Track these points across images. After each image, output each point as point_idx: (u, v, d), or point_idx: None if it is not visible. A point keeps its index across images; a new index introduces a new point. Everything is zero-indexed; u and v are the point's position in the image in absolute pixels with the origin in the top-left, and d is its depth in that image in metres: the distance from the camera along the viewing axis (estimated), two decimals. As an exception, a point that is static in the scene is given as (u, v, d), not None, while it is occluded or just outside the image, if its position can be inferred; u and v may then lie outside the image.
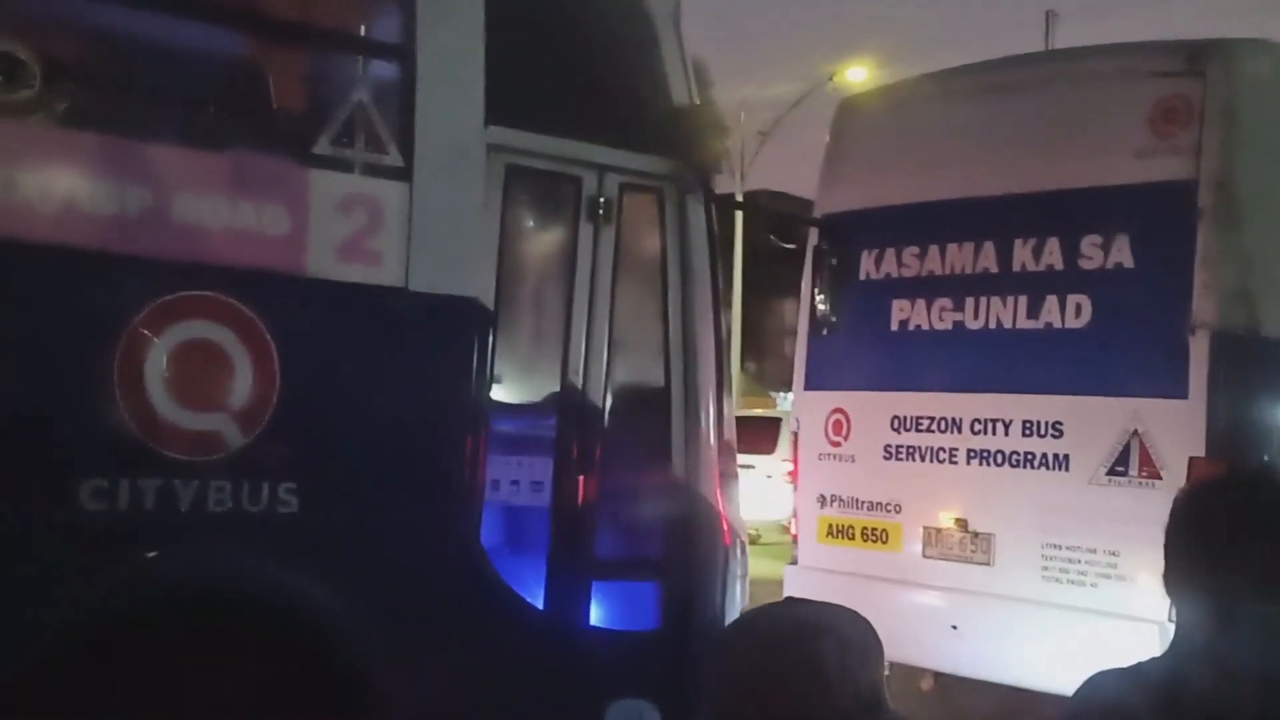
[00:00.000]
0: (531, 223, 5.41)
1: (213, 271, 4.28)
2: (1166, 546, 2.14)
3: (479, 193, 4.81)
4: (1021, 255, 6.86)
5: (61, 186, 4.10)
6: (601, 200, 5.11)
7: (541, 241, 5.45)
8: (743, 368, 29.82)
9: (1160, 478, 6.22)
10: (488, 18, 4.79)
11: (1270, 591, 2.01)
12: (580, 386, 5.10)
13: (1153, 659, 2.17)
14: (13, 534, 3.93)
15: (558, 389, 5.12)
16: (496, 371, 4.92)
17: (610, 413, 5.18)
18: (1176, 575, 2.12)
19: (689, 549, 5.26)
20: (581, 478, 5.09)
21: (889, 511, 7.28)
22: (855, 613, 2.06)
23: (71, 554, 4.03)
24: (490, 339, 4.84)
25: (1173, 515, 2.15)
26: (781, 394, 36.10)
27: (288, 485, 4.36)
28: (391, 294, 4.59)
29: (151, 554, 4.20)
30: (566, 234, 5.16)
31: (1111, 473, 6.41)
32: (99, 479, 4.06)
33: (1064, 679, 6.44)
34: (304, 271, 4.44)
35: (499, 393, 5.01)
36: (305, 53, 5.02)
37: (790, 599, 2.15)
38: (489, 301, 4.83)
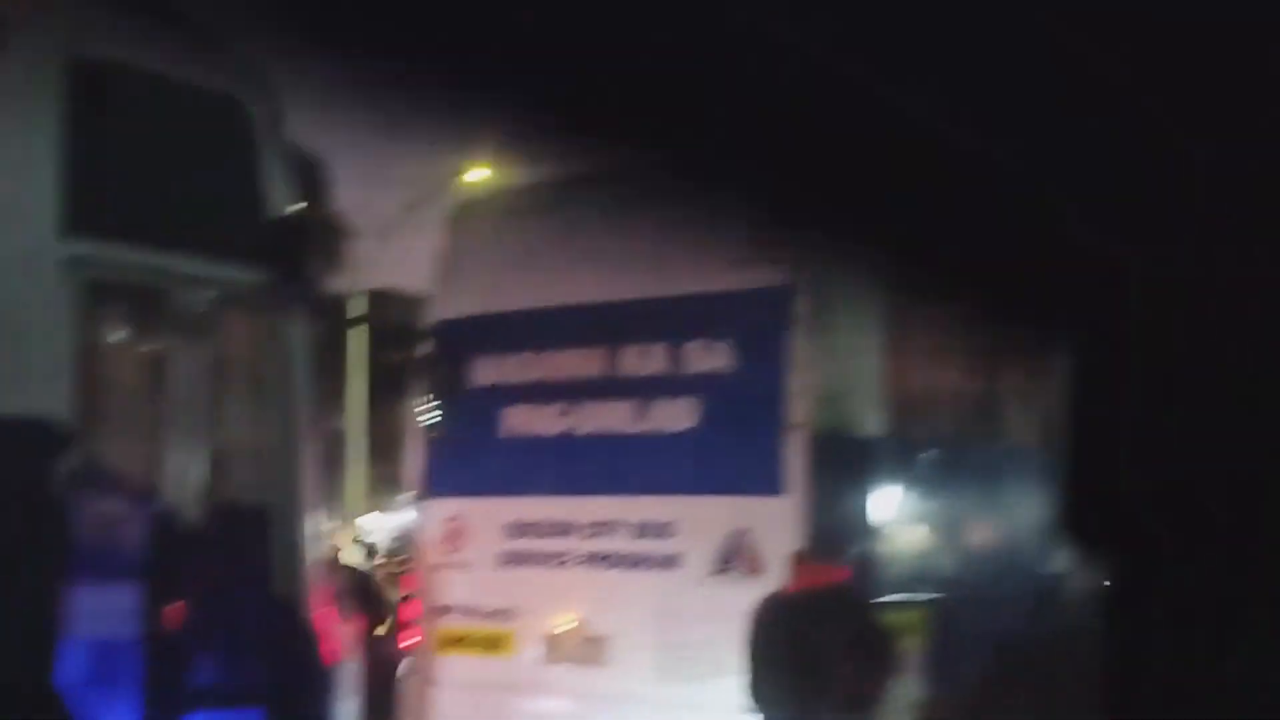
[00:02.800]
0: (117, 338, 5.09)
1: None
2: (752, 656, 2.16)
3: (56, 309, 4.50)
4: (630, 360, 7.02)
5: None
6: (192, 313, 4.89)
7: (129, 358, 5.15)
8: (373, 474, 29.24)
9: (764, 573, 6.42)
10: (64, 123, 4.52)
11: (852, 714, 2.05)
12: (174, 507, 4.83)
13: None
14: None
15: (150, 511, 4.84)
16: (80, 497, 4.59)
17: (206, 534, 4.91)
18: (761, 688, 2.14)
19: (293, 673, 5.05)
20: (175, 603, 4.80)
21: (507, 618, 7.23)
22: None
23: None
24: (68, 462, 4.51)
25: (758, 625, 2.18)
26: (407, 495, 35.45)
27: None
28: None
29: None
30: (156, 349, 4.93)
31: (721, 570, 6.57)
32: None
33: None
34: None
35: (85, 520, 4.66)
36: None
37: None
38: (70, 419, 4.50)
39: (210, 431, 4.95)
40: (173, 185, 4.88)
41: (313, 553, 5.15)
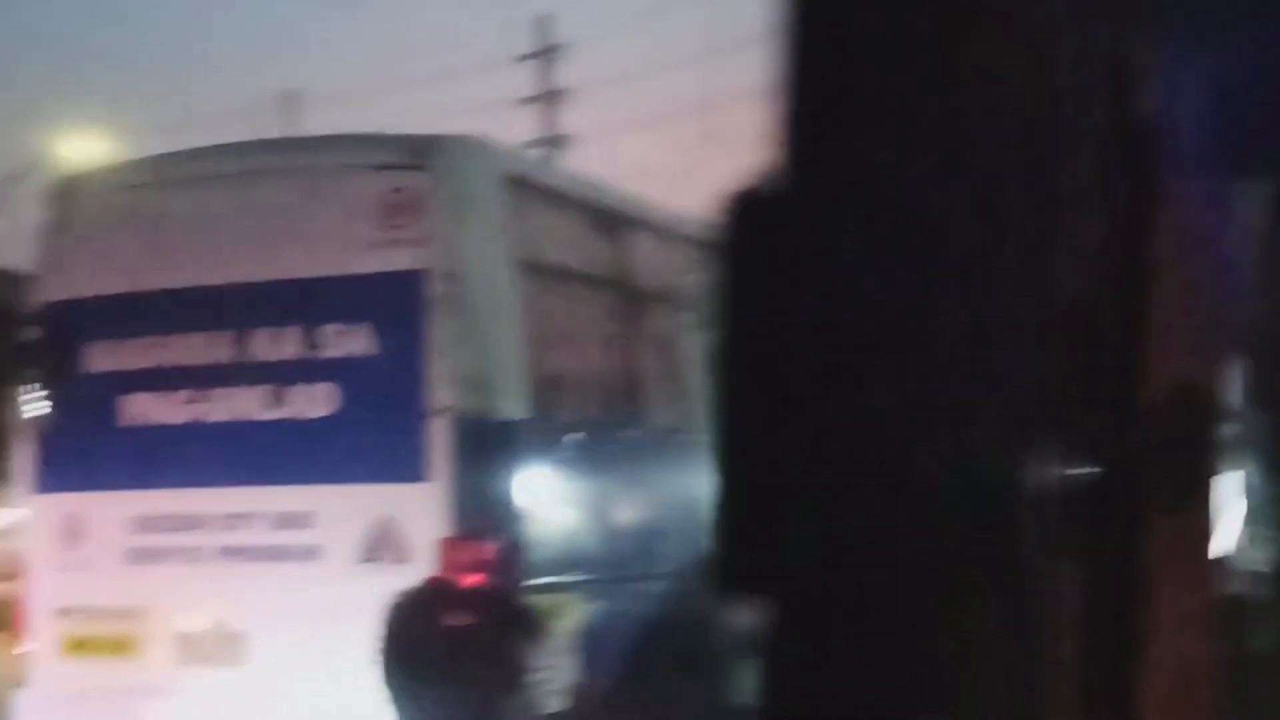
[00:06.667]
0: None
1: None
2: (386, 649, 2.07)
3: None
4: (261, 345, 6.75)
5: None
6: None
7: None
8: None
9: (412, 561, 6.32)
10: None
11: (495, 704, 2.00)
12: None
13: None
14: None
15: None
16: None
17: None
18: (396, 680, 2.06)
19: None
20: None
21: (136, 619, 6.85)
22: None
23: None
24: None
25: (393, 616, 2.09)
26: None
27: None
28: None
29: None
30: None
31: (365, 560, 6.43)
32: None
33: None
34: None
35: None
36: None
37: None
38: None
39: None
40: None
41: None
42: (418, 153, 6.62)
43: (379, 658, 5.89)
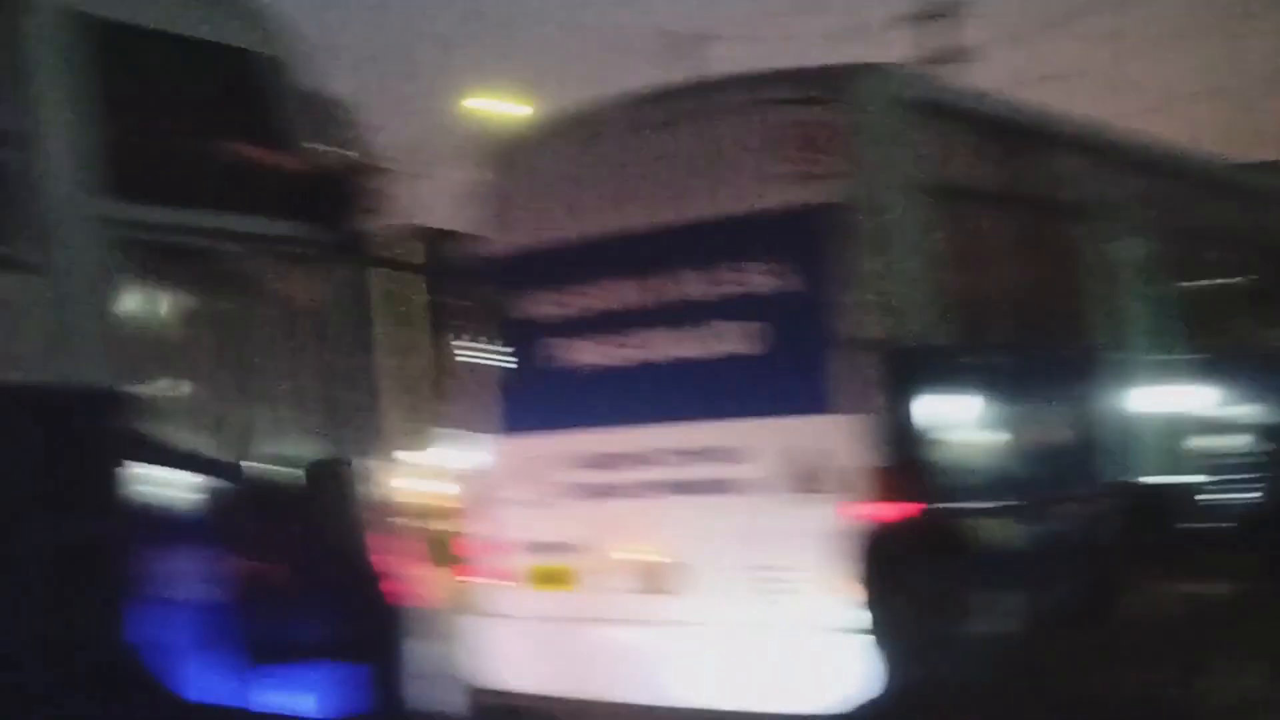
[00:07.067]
0: (165, 301, 5.07)
1: None
2: (870, 585, 2.11)
3: (97, 272, 4.48)
4: (683, 286, 6.96)
5: None
6: (247, 270, 4.91)
7: (189, 319, 5.13)
8: (416, 409, 29.35)
9: (838, 491, 6.39)
10: (84, 85, 4.47)
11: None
12: (234, 466, 4.86)
13: None
14: None
15: (201, 474, 4.84)
16: (142, 459, 4.60)
17: (267, 489, 4.93)
18: (884, 617, 2.10)
19: (373, 623, 5.09)
20: (246, 561, 4.85)
21: (580, 552, 7.23)
22: None
23: None
24: (130, 426, 4.52)
25: (872, 555, 2.13)
26: (458, 430, 35.71)
27: None
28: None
29: None
30: (215, 308, 4.93)
31: (793, 490, 6.54)
32: None
33: (771, 696, 6.63)
34: None
35: (147, 482, 4.67)
36: None
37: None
38: (123, 387, 4.51)
39: (274, 387, 4.97)
40: (194, 143, 4.83)
41: (385, 499, 5.16)
42: (829, 85, 6.62)
43: (856, 588, 5.97)
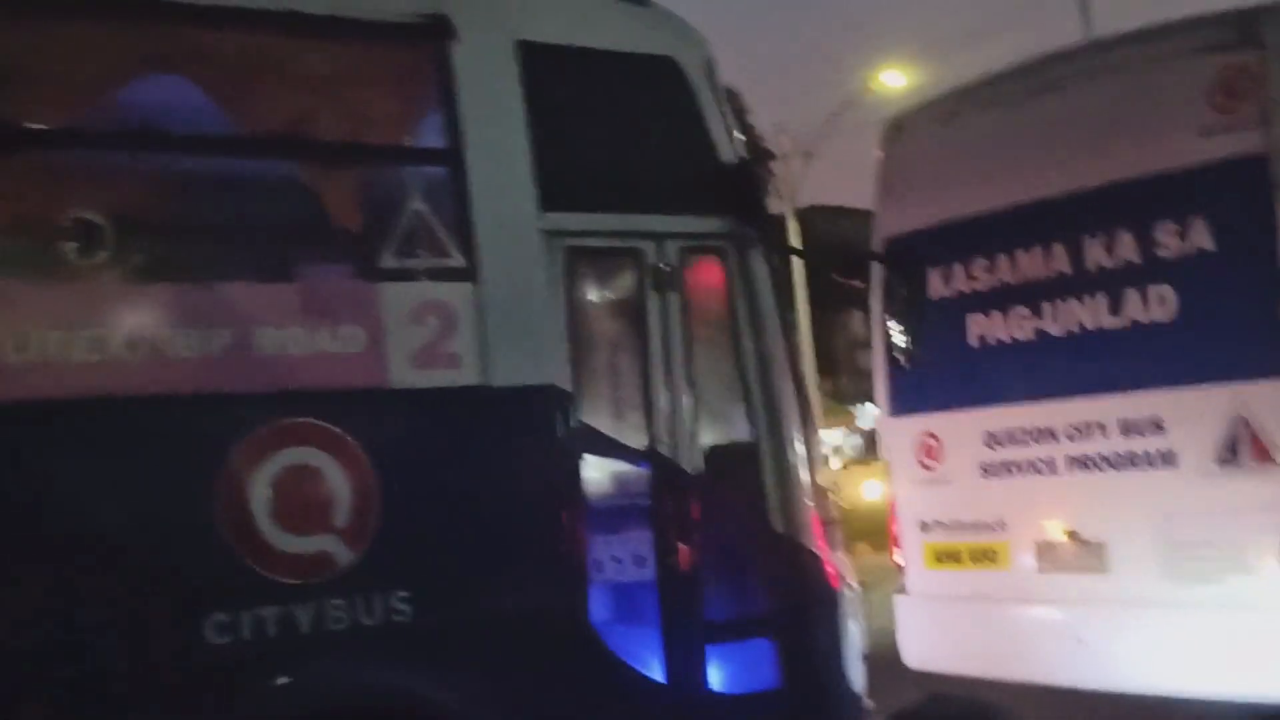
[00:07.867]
0: (598, 300, 5.40)
1: (301, 397, 4.33)
2: None
3: (543, 279, 4.82)
4: (1095, 253, 6.69)
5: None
6: (663, 268, 5.12)
7: (610, 317, 5.43)
8: (818, 388, 29.66)
9: (1275, 461, 5.99)
10: (529, 107, 4.82)
11: None
12: (668, 454, 5.08)
13: None
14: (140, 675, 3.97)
15: (646, 460, 5.10)
16: (585, 452, 4.93)
17: (701, 476, 5.13)
18: None
19: (798, 602, 5.23)
20: (682, 545, 5.06)
21: (995, 530, 7.09)
22: (999, 705, 1.92)
23: (204, 689, 4.07)
24: (574, 422, 4.85)
25: None
26: (859, 407, 35.89)
27: (400, 594, 4.37)
28: (474, 393, 4.61)
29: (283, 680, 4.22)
30: (634, 306, 5.17)
31: (1222, 462, 6.19)
32: (220, 613, 4.09)
33: (1200, 680, 6.26)
34: (387, 383, 4.48)
35: (590, 472, 5.01)
36: (357, 171, 5.04)
37: (935, 697, 2.02)
38: (567, 384, 4.82)
39: (694, 377, 5.16)
40: (628, 150, 5.10)
41: (806, 481, 5.28)
42: (1247, 28, 6.21)
43: None
